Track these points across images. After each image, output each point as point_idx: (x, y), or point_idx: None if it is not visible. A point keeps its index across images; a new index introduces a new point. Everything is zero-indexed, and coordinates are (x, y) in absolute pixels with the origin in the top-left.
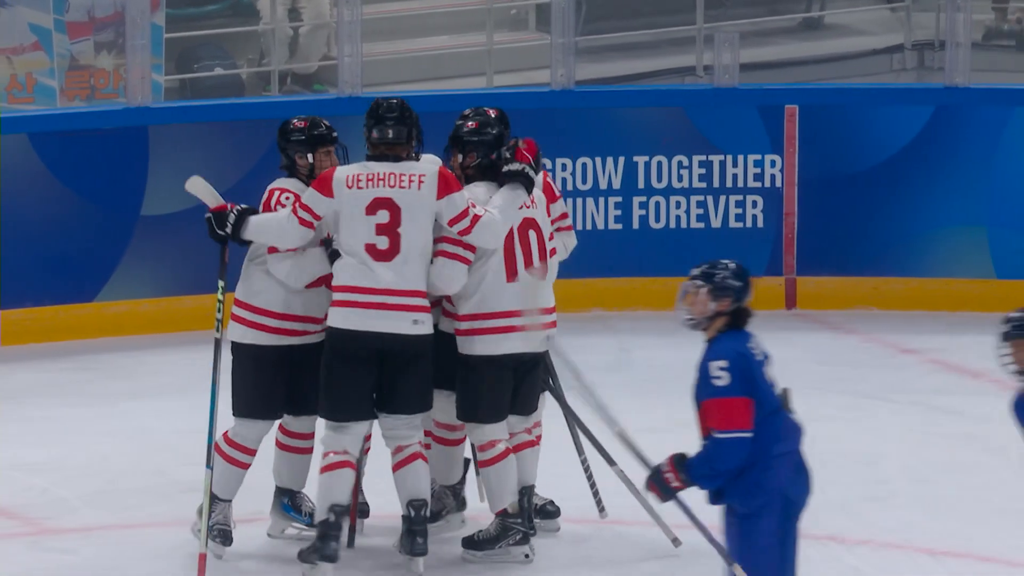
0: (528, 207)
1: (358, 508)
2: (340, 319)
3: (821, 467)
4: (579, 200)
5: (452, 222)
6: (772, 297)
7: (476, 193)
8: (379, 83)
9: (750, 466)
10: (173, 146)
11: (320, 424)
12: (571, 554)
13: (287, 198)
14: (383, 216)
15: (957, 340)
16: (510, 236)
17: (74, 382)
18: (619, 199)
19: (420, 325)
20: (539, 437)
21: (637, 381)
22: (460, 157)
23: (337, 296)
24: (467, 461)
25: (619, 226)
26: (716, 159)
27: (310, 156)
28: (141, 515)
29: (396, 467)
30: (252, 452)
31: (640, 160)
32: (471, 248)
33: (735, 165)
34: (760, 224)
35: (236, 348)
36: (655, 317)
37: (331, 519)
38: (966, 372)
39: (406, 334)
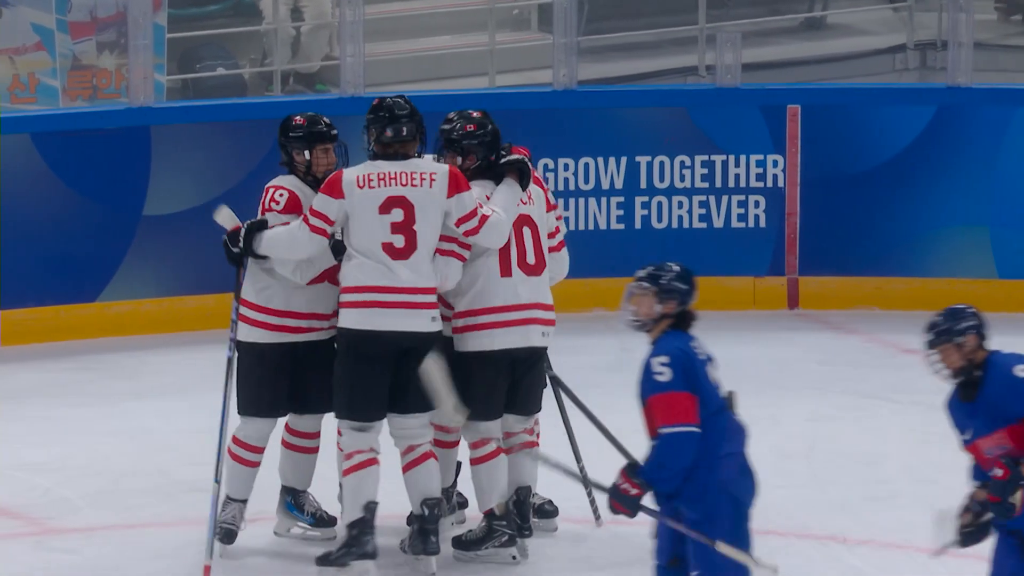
0: (524, 203)
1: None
2: (360, 320)
3: (823, 467)
4: (581, 200)
5: (460, 221)
6: (774, 297)
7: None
8: (381, 83)
9: (696, 467)
10: (175, 146)
11: (325, 423)
12: (570, 554)
13: (281, 195)
14: (397, 215)
15: None
16: None
17: (76, 382)
18: (621, 199)
19: (436, 322)
20: (537, 435)
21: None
22: (459, 159)
23: (353, 297)
24: (459, 464)
25: (621, 226)
26: (718, 159)
27: (307, 153)
28: (144, 515)
29: (408, 467)
30: (260, 450)
31: (642, 160)
32: (467, 246)
33: (737, 165)
34: (762, 224)
35: (240, 346)
36: None
37: (366, 516)
38: None
39: (425, 332)
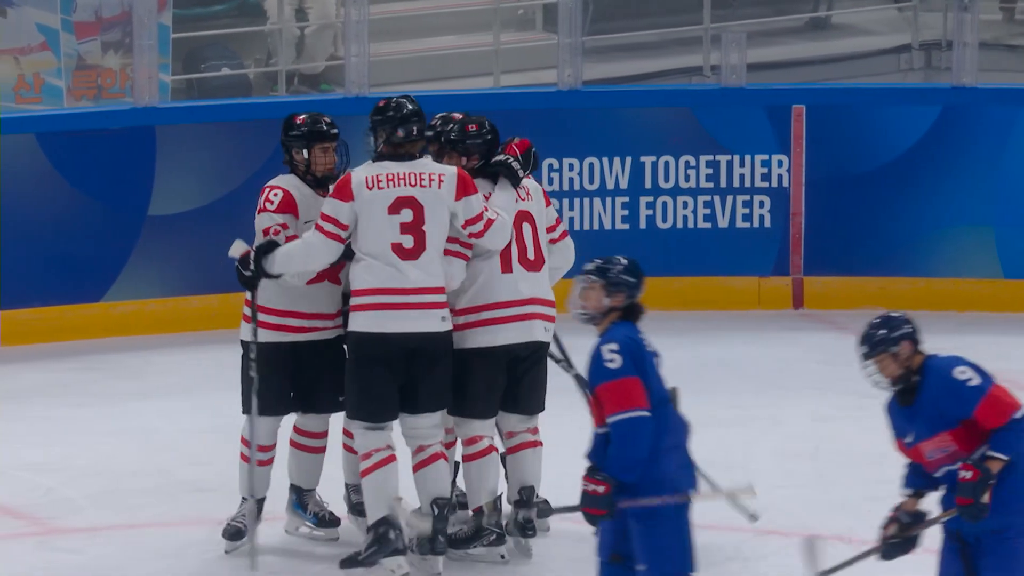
0: (523, 199)
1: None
2: (369, 323)
3: (826, 467)
4: (586, 200)
5: (467, 224)
6: (779, 297)
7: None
8: (386, 83)
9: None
10: (180, 146)
11: (333, 423)
12: (571, 554)
13: (275, 194)
14: (407, 215)
15: (964, 340)
16: None
17: (80, 382)
18: (626, 199)
19: (445, 322)
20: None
21: None
22: (463, 160)
23: (363, 299)
24: (457, 464)
25: (626, 226)
26: (723, 159)
27: (306, 152)
28: (147, 515)
29: (418, 467)
30: (267, 448)
31: (647, 160)
32: (468, 245)
33: (742, 165)
34: (767, 224)
35: (243, 346)
36: (662, 317)
37: (391, 513)
38: None
39: (435, 332)
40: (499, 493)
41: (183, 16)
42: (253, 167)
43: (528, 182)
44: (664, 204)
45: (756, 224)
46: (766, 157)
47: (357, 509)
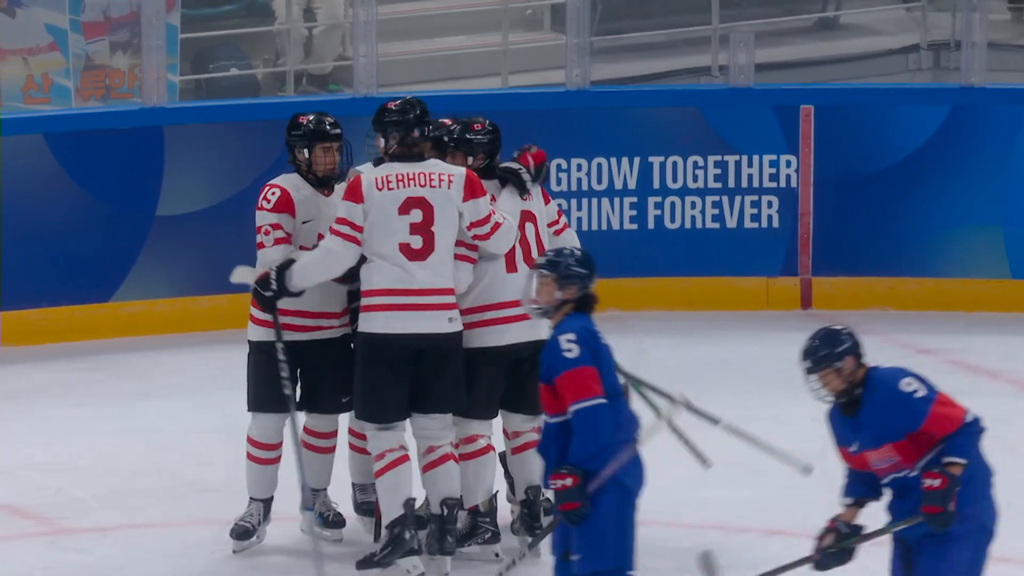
0: (525, 199)
1: (368, 507)
2: (379, 324)
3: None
4: (594, 200)
5: (473, 226)
6: (787, 297)
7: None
8: (394, 83)
9: None
10: (188, 146)
11: (340, 423)
12: None
13: (273, 193)
14: (416, 215)
15: (973, 340)
16: None
17: (89, 382)
18: (634, 199)
19: (454, 323)
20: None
21: (653, 381)
22: (468, 159)
23: (372, 300)
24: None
25: (634, 226)
26: (731, 159)
27: (307, 151)
28: (156, 515)
29: (427, 467)
30: (273, 447)
31: (655, 160)
32: (474, 247)
33: (750, 165)
34: (775, 224)
35: (249, 345)
36: (671, 317)
37: (407, 513)
38: (983, 372)
39: (443, 332)
40: (495, 491)
41: (191, 16)
42: (261, 167)
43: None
44: (672, 204)
45: (764, 224)
46: (774, 157)
47: (363, 508)
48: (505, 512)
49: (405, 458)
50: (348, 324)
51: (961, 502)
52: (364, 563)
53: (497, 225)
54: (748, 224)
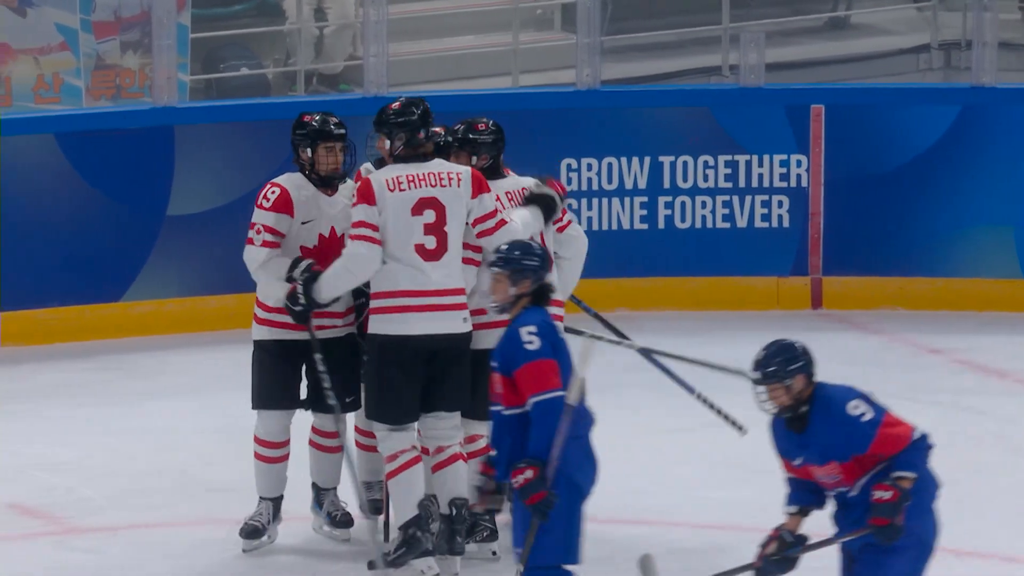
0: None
1: (376, 506)
2: (396, 326)
3: None
4: (604, 200)
5: (478, 221)
6: (798, 297)
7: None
8: (405, 83)
9: None
10: (199, 146)
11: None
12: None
13: (272, 192)
14: (429, 216)
15: (983, 340)
16: None
17: (99, 382)
18: (645, 199)
19: (467, 323)
20: None
21: (662, 381)
22: (473, 159)
23: (385, 302)
24: None
25: (645, 226)
26: (742, 159)
27: (310, 150)
28: (166, 515)
29: (436, 467)
30: (279, 445)
31: (666, 160)
32: (478, 248)
33: (761, 165)
34: (786, 224)
35: (254, 345)
36: (681, 317)
37: (421, 513)
38: (992, 372)
39: (458, 333)
40: None
41: (202, 16)
42: (272, 167)
43: (529, 182)
44: (683, 204)
45: (775, 224)
46: (785, 157)
47: (370, 506)
48: (505, 511)
49: (418, 459)
50: (352, 323)
51: (903, 515)
52: (376, 563)
53: (502, 222)
54: (759, 224)
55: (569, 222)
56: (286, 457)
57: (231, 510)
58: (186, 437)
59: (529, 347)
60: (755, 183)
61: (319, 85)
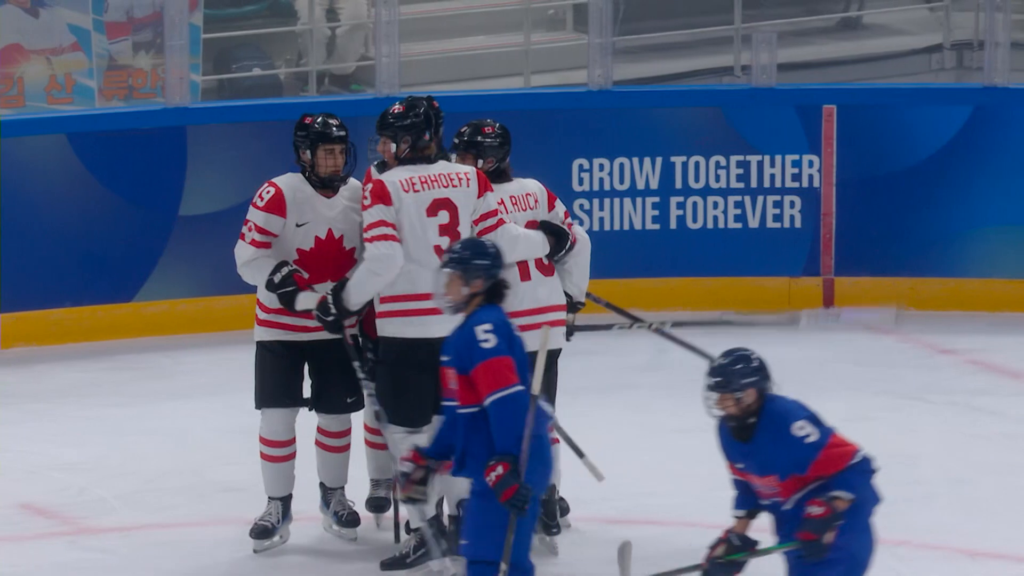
0: (531, 208)
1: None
2: (416, 328)
3: None
4: (616, 200)
5: (480, 219)
6: (810, 297)
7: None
8: (416, 83)
9: (490, 441)
10: (211, 146)
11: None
12: (598, 553)
13: (268, 191)
14: (444, 217)
15: (995, 340)
16: None
17: (112, 382)
18: (656, 199)
19: None
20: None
21: (673, 382)
22: (479, 162)
23: (405, 305)
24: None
25: (656, 226)
26: (754, 159)
27: (309, 152)
28: (178, 515)
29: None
30: (284, 444)
31: (677, 160)
32: None
33: (773, 165)
34: (798, 224)
35: (256, 346)
36: (692, 317)
37: (436, 513)
38: (1005, 372)
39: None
40: None
41: (214, 16)
42: (284, 167)
43: (533, 185)
44: (694, 204)
45: (787, 224)
46: (797, 157)
47: (373, 503)
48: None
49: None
50: (354, 324)
51: (834, 534)
52: (391, 564)
53: (502, 221)
54: (770, 224)
55: (571, 224)
56: (292, 456)
57: (244, 510)
58: (199, 437)
59: (485, 345)
60: (767, 183)
61: (331, 85)
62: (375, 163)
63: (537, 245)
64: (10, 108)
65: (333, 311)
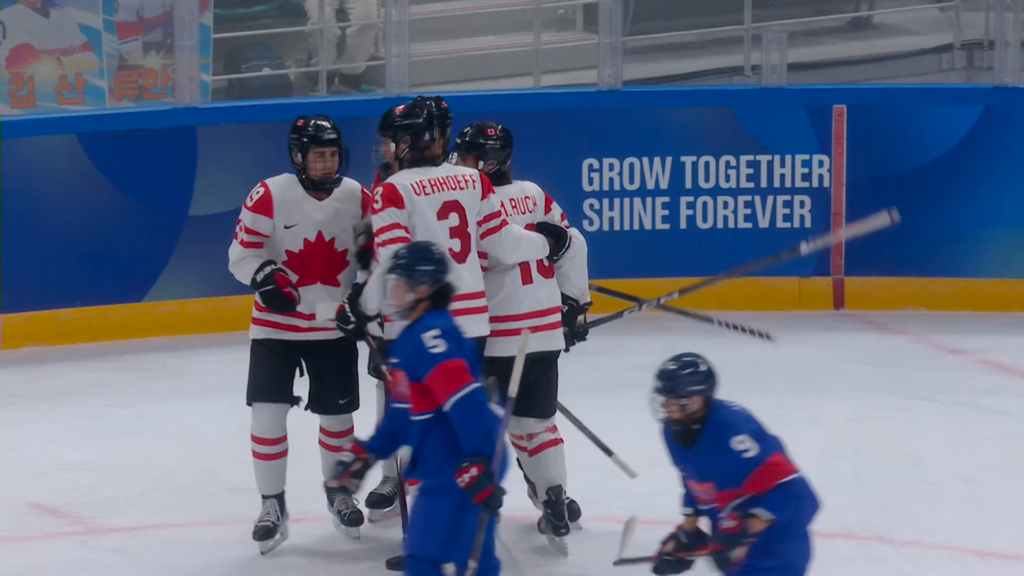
0: (530, 211)
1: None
2: None
3: (867, 467)
4: (626, 200)
5: (483, 220)
6: (820, 297)
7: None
8: (426, 83)
9: (443, 444)
10: (221, 146)
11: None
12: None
13: (257, 192)
14: (454, 219)
15: (1005, 340)
16: None
17: (122, 382)
18: (666, 199)
19: (488, 325)
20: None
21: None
22: (480, 164)
23: None
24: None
25: (666, 226)
26: (764, 159)
27: (300, 155)
28: (188, 514)
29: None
30: (275, 442)
31: (687, 160)
32: (483, 255)
33: (783, 165)
34: (808, 224)
35: (251, 344)
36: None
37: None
38: (1014, 373)
39: (486, 336)
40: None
41: (224, 16)
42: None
43: (531, 188)
44: (704, 204)
45: (796, 224)
46: (807, 157)
47: (373, 500)
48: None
49: None
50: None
51: (769, 539)
52: (396, 563)
53: (505, 223)
54: (780, 224)
55: (567, 227)
56: (283, 454)
57: (253, 510)
58: (208, 437)
59: (435, 350)
60: (777, 183)
61: (341, 85)
62: (379, 164)
63: (538, 246)
64: (21, 108)
65: (352, 319)
